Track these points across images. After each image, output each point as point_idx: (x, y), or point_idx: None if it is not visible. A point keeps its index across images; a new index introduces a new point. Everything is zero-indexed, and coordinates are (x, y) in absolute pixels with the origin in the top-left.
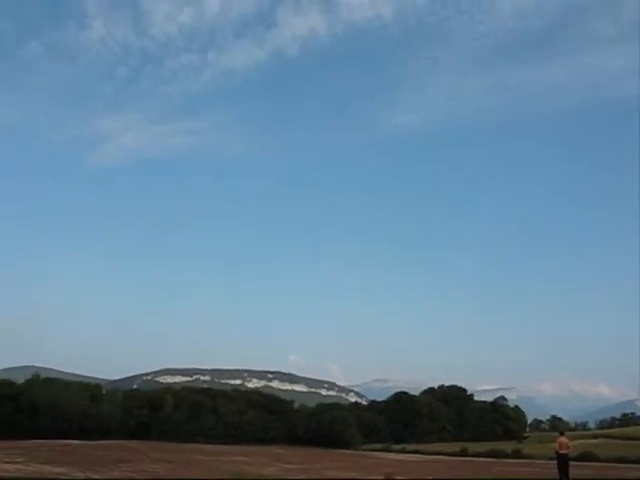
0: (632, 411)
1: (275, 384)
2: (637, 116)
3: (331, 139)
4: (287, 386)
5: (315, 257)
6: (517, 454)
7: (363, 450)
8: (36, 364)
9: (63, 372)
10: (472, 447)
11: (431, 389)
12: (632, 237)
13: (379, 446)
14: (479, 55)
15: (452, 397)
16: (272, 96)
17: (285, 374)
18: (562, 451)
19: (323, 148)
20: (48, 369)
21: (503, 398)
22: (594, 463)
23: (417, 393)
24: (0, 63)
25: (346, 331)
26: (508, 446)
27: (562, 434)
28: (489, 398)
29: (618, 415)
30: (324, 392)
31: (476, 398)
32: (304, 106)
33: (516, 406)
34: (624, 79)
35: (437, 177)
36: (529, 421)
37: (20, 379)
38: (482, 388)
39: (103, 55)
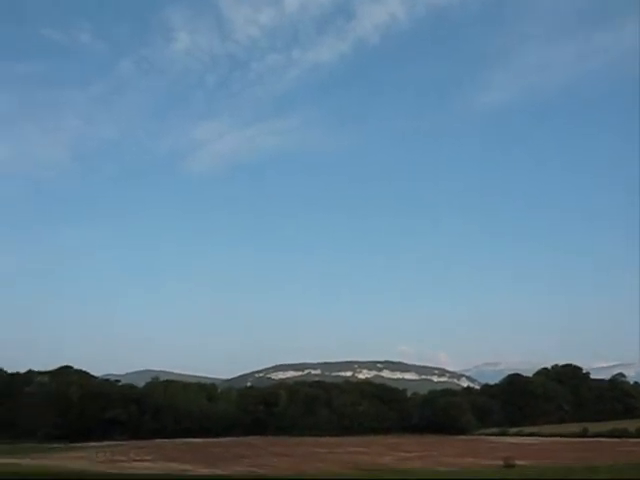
0: None
1: (386, 374)
2: None
3: (423, 126)
4: (398, 375)
5: (410, 247)
6: None
7: (479, 435)
8: (153, 368)
9: (179, 374)
10: (592, 427)
11: (545, 369)
12: None
13: (495, 430)
14: (565, 22)
15: (567, 377)
16: (358, 87)
17: (395, 363)
18: None
19: (414, 135)
20: (165, 372)
21: (622, 375)
22: None
23: (530, 375)
24: (96, 84)
25: (452, 317)
26: (631, 425)
27: None
28: (606, 376)
29: None
30: (435, 379)
31: (593, 376)
32: (390, 94)
33: (636, 382)
34: None
35: (541, 152)
36: None
37: (140, 383)
38: (599, 366)
39: (191, 65)
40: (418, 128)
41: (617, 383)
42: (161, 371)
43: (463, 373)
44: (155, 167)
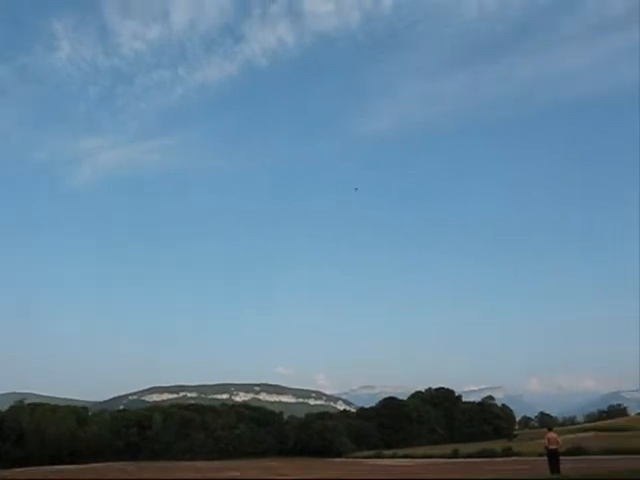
0: (618, 402)
1: (263, 396)
2: (614, 110)
3: (305, 150)
4: (275, 397)
5: (293, 267)
6: (508, 452)
7: (354, 457)
8: (20, 390)
9: (49, 397)
10: (463, 448)
11: (419, 393)
12: (611, 228)
13: (370, 453)
14: (449, 57)
15: (440, 399)
16: (245, 109)
17: (272, 386)
18: (551, 447)
19: (297, 159)
20: (32, 394)
21: (491, 398)
22: (584, 457)
23: (405, 397)
24: None
25: (330, 340)
26: (498, 445)
27: (550, 430)
28: (477, 398)
29: (605, 407)
30: (312, 402)
31: (464, 399)
32: (276, 117)
33: (504, 405)
34: (594, 75)
35: (414, 182)
36: (518, 419)
37: (4, 406)
38: (470, 389)
39: (73, 75)
40: (302, 153)
41: (487, 406)
42: (28, 393)
43: (340, 396)
44: (31, 178)
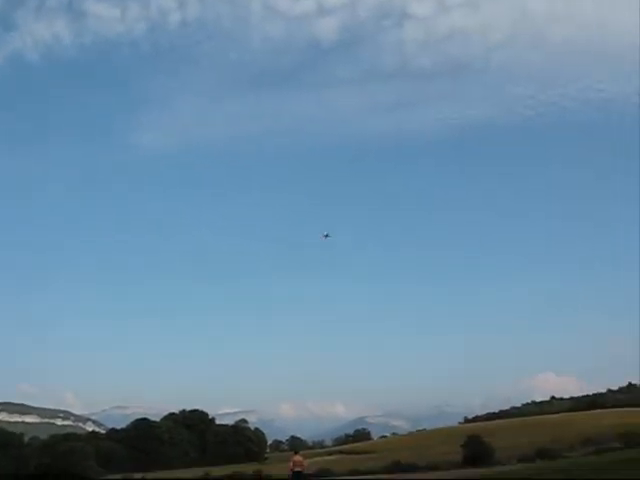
0: (363, 427)
1: (2, 416)
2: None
3: (80, 157)
4: (17, 418)
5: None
6: (258, 475)
7: None
8: None
9: None
10: (215, 471)
11: (172, 414)
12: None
13: (118, 476)
14: (230, 82)
15: (194, 421)
16: (20, 106)
17: (16, 405)
18: (296, 469)
19: (76, 166)
20: None
21: (244, 421)
22: (331, 477)
23: (158, 419)
24: None
25: (80, 355)
26: (250, 468)
27: (296, 453)
28: (231, 421)
29: (351, 432)
30: (59, 422)
31: (219, 421)
32: (53, 119)
33: (257, 428)
34: (359, 118)
35: (185, 200)
36: (269, 442)
37: None
38: (224, 411)
39: None
40: (80, 159)
41: (239, 429)
42: None
43: (90, 417)
44: None
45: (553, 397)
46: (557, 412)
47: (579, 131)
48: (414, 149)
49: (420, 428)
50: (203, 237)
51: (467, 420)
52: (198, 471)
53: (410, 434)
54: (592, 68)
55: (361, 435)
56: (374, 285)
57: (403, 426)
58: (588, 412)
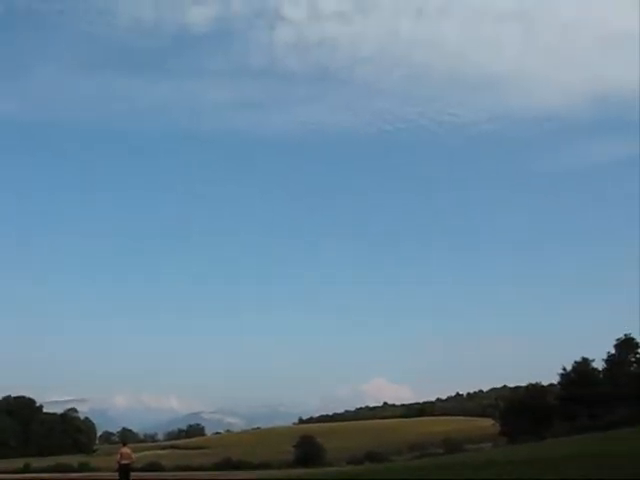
0: (197, 422)
1: None
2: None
3: None
4: None
5: None
6: (84, 467)
7: None
8: None
9: None
10: (37, 462)
11: None
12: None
13: None
14: (90, 58)
15: (18, 408)
16: None
17: None
18: (123, 461)
19: None
20: None
21: (74, 410)
22: (158, 473)
23: None
24: None
25: None
26: (75, 460)
27: (124, 445)
28: (60, 410)
29: (185, 427)
30: None
31: (46, 410)
32: None
33: (87, 418)
34: (227, 111)
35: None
36: (100, 433)
37: None
38: (53, 399)
39: None
40: None
41: (69, 418)
42: None
43: None
44: None
45: (386, 403)
46: (389, 418)
47: (434, 149)
48: (272, 148)
49: (255, 426)
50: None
51: (302, 421)
52: (19, 462)
53: (244, 432)
54: (448, 93)
55: (194, 430)
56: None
57: (238, 424)
58: (417, 419)
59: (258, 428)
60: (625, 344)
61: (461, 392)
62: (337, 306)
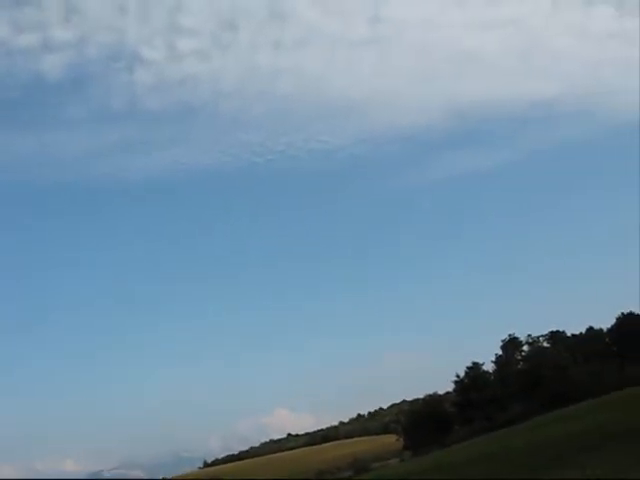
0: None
1: None
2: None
3: None
4: None
5: None
6: None
7: None
8: None
9: None
10: None
11: None
12: None
13: None
14: None
15: None
16: None
17: None
18: None
19: None
20: None
21: None
22: None
23: None
24: None
25: None
26: None
27: None
28: None
29: None
30: None
31: None
32: None
33: None
34: (89, 159)
35: None
36: None
37: None
38: None
39: None
40: None
41: None
42: None
43: None
44: None
45: (290, 434)
46: (293, 448)
47: (306, 177)
48: (141, 191)
49: (159, 477)
50: None
51: (207, 464)
52: None
53: None
54: (314, 121)
55: None
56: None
57: (141, 476)
58: (322, 445)
59: (163, 478)
60: (510, 344)
61: (362, 412)
62: (226, 342)
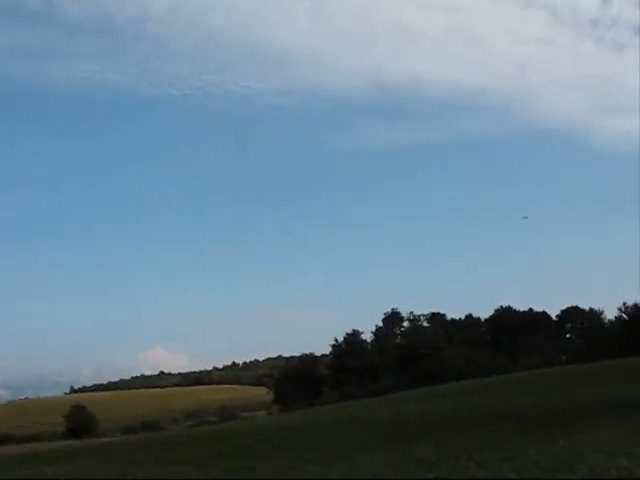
0: None
1: None
2: None
3: None
4: None
5: None
6: None
7: None
8: None
9: None
10: None
11: None
12: None
13: None
14: None
15: None
16: None
17: None
18: None
19: None
20: None
21: None
22: None
23: None
24: None
25: None
26: None
27: None
28: None
29: None
30: None
31: None
32: None
33: None
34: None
35: None
36: None
37: None
38: None
39: None
40: None
41: None
42: None
43: None
44: None
45: (162, 372)
46: (165, 387)
47: (222, 118)
48: (51, 101)
49: (22, 397)
50: None
51: (74, 390)
52: None
53: (10, 403)
54: (239, 63)
55: None
56: None
57: (3, 394)
58: (193, 387)
59: (26, 398)
60: (392, 318)
61: (237, 361)
62: (114, 273)
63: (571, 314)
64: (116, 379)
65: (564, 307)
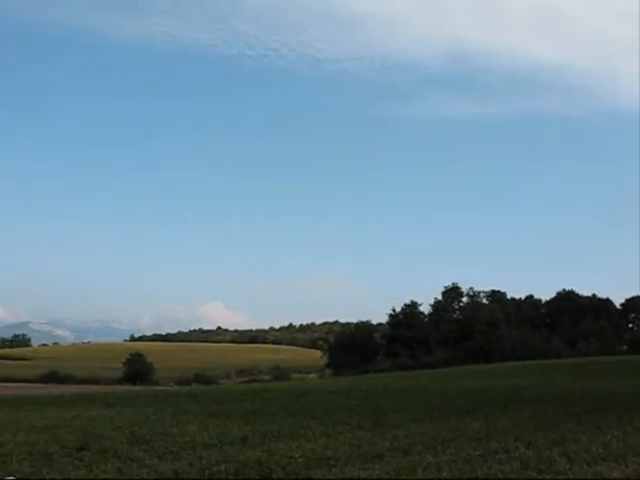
0: (24, 333)
1: None
2: None
3: None
4: None
5: None
6: None
7: None
8: None
9: None
10: None
11: None
12: None
13: None
14: None
15: None
16: None
17: None
18: None
19: None
20: None
21: None
22: None
23: None
24: None
25: None
26: None
27: None
28: None
29: (10, 336)
30: None
31: None
32: None
33: None
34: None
35: None
36: None
37: None
38: None
39: None
40: None
41: None
42: None
43: None
44: None
45: (220, 327)
46: (221, 342)
47: (292, 81)
48: (126, 54)
49: (85, 341)
50: None
51: (133, 339)
52: None
53: (73, 345)
54: (314, 27)
55: (20, 341)
56: None
57: (67, 337)
58: (248, 345)
59: (88, 342)
60: (451, 292)
61: (294, 323)
62: (191, 230)
63: (636, 304)
64: (174, 331)
65: (629, 296)
